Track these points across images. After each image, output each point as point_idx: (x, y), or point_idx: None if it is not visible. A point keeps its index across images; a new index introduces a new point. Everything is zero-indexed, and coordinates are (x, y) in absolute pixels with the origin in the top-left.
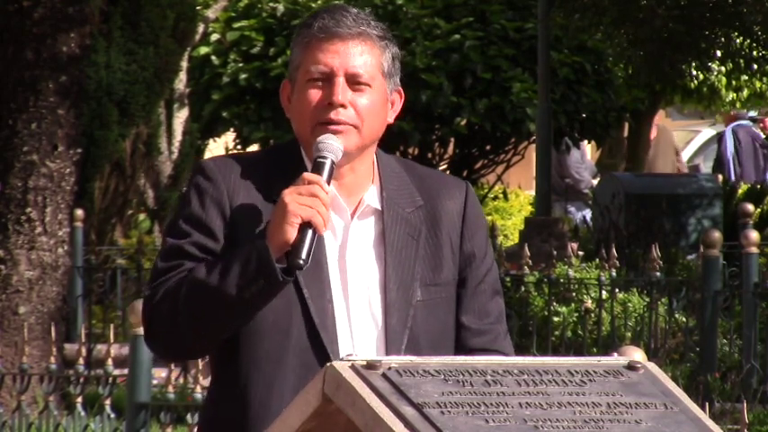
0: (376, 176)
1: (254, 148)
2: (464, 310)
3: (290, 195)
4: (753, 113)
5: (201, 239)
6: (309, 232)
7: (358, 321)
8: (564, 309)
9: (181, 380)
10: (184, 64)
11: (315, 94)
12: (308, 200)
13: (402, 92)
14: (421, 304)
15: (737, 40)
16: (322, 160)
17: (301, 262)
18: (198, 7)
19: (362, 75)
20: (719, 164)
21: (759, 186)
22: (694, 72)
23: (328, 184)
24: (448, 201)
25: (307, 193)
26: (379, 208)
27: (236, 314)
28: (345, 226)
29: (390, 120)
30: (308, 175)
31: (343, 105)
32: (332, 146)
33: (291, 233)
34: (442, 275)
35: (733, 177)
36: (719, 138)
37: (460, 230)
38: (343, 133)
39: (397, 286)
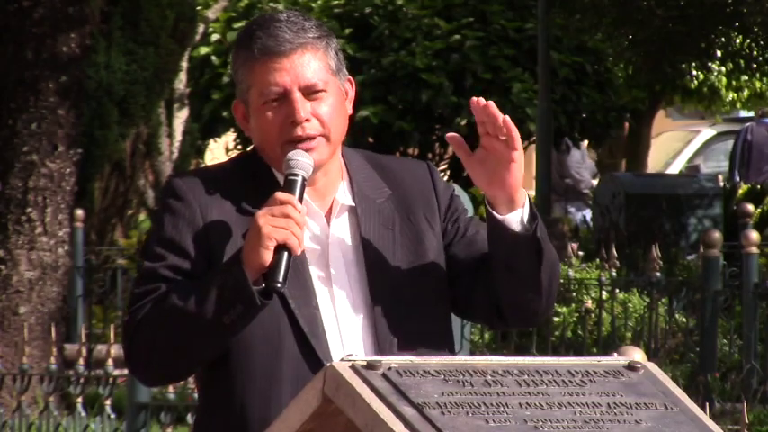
0: (344, 172)
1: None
2: (472, 257)
3: (263, 218)
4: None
5: (176, 261)
6: (285, 254)
7: (346, 324)
8: (564, 309)
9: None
10: (184, 64)
11: (276, 115)
12: (281, 221)
13: (352, 80)
14: (407, 299)
15: (737, 41)
16: (293, 178)
17: (278, 285)
18: (198, 7)
19: (317, 84)
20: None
21: (759, 186)
22: (694, 72)
23: (300, 201)
24: (415, 184)
25: (280, 214)
26: (353, 204)
27: (216, 339)
28: (323, 229)
29: (349, 111)
30: (280, 195)
31: (306, 120)
32: (302, 162)
33: (267, 256)
34: (427, 257)
35: (737, 177)
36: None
37: (436, 206)
38: (315, 148)
39: (379, 278)
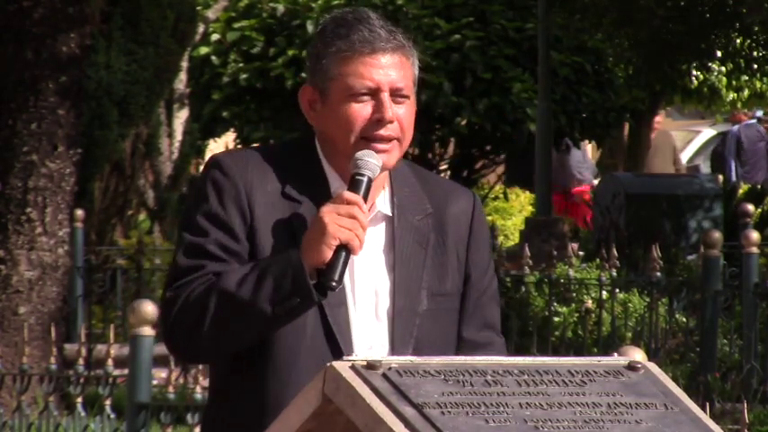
0: (387, 182)
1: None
2: (466, 322)
3: (329, 215)
4: (759, 113)
5: (222, 239)
6: (344, 254)
7: (366, 326)
8: (564, 309)
9: (181, 380)
10: (184, 64)
11: (362, 109)
12: (347, 222)
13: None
14: (427, 314)
15: (737, 41)
16: (360, 178)
17: (334, 284)
18: (198, 7)
19: (404, 88)
20: (719, 162)
21: (759, 186)
22: (694, 72)
23: (365, 202)
24: (456, 210)
25: (346, 214)
26: (390, 214)
27: (265, 328)
28: None
29: None
30: (347, 195)
31: (391, 121)
32: (371, 163)
33: (327, 254)
34: (448, 285)
35: (733, 177)
36: (723, 137)
37: (467, 242)
38: (390, 150)
39: (404, 294)
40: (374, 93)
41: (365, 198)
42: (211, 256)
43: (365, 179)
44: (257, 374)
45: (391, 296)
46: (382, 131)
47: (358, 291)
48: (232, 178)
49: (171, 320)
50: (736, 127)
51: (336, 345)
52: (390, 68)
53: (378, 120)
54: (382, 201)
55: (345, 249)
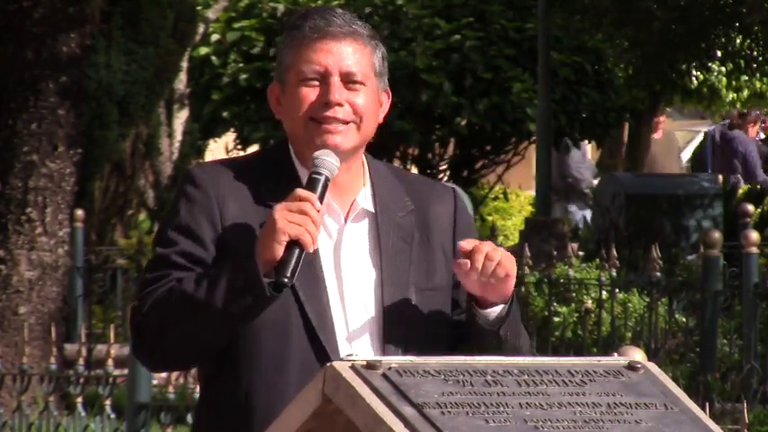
0: (367, 178)
1: (254, 148)
2: (459, 310)
3: (280, 212)
4: (757, 112)
5: (189, 248)
6: (296, 250)
7: (354, 324)
8: (564, 309)
9: (181, 380)
10: (184, 64)
11: (309, 93)
12: (297, 217)
13: (390, 92)
14: (416, 309)
15: (737, 41)
16: (317, 176)
17: (285, 281)
18: (198, 7)
19: (356, 73)
20: (698, 164)
21: (759, 187)
22: (694, 72)
23: (321, 201)
24: (438, 206)
25: (297, 210)
26: (373, 210)
27: (223, 329)
28: (339, 228)
29: (380, 120)
30: (300, 192)
31: (339, 104)
32: (328, 162)
33: (279, 250)
34: (436, 280)
35: (733, 179)
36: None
37: (452, 236)
38: (343, 132)
39: (393, 290)
40: (323, 77)
41: (321, 197)
42: (177, 265)
43: (322, 178)
44: (242, 377)
45: (379, 292)
46: (329, 113)
47: (346, 289)
48: (204, 190)
49: (137, 327)
50: (712, 127)
51: (321, 345)
52: (341, 53)
53: (325, 102)
54: (363, 197)
55: (298, 246)
